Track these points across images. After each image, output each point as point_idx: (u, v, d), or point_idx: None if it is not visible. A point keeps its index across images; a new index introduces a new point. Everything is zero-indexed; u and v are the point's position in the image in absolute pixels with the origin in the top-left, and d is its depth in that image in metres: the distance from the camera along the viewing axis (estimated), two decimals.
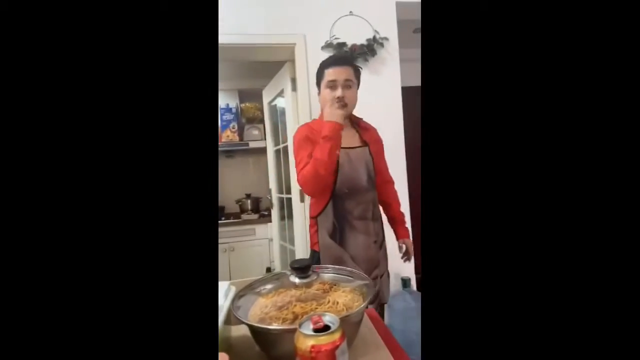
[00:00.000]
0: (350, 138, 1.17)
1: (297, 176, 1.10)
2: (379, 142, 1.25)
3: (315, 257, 1.14)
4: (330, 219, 1.12)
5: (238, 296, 0.58)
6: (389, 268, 1.25)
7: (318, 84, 1.18)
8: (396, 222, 1.30)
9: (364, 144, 1.19)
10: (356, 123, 1.23)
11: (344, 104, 1.12)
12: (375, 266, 1.16)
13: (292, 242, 2.13)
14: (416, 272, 1.90)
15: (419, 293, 1.78)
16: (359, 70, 1.20)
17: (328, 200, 1.11)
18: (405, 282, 1.79)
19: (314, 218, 1.15)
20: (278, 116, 2.32)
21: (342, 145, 1.10)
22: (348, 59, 1.34)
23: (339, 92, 1.11)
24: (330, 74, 1.13)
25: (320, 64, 1.18)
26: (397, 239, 1.29)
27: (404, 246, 1.28)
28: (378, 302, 1.18)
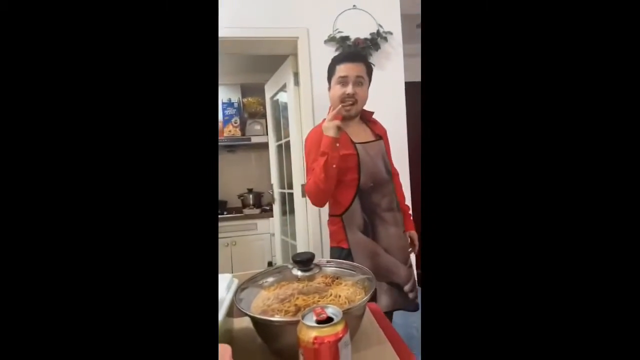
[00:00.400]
0: (363, 132, 1.18)
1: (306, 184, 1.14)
2: (386, 135, 1.26)
3: (344, 253, 1.12)
4: (360, 215, 1.11)
5: (240, 289, 0.58)
6: None
7: (329, 79, 1.17)
8: (402, 214, 1.30)
9: (378, 137, 1.19)
10: (366, 118, 1.23)
11: (354, 100, 1.11)
12: (408, 255, 1.19)
13: (293, 237, 2.13)
14: (416, 267, 1.89)
15: (419, 288, 1.78)
16: (371, 67, 1.18)
17: (353, 197, 1.11)
18: None
19: (338, 216, 1.14)
20: (280, 111, 2.32)
21: (358, 141, 1.13)
22: (361, 55, 1.33)
23: (349, 89, 1.10)
24: (341, 69, 1.11)
25: (332, 59, 1.17)
26: (403, 231, 1.28)
27: (409, 238, 1.28)
28: (416, 292, 1.18)
